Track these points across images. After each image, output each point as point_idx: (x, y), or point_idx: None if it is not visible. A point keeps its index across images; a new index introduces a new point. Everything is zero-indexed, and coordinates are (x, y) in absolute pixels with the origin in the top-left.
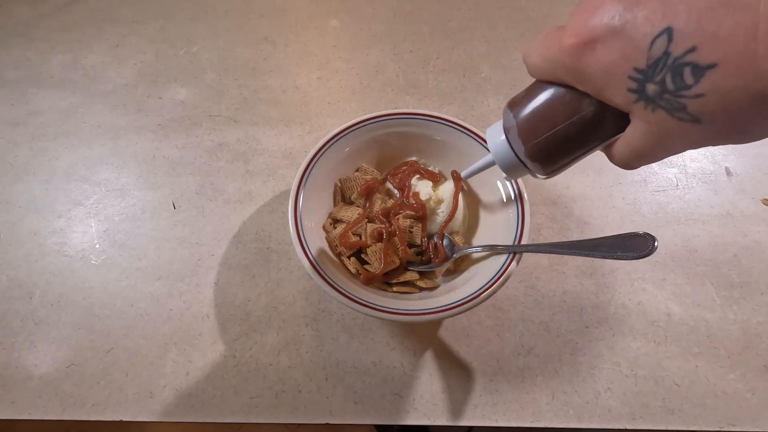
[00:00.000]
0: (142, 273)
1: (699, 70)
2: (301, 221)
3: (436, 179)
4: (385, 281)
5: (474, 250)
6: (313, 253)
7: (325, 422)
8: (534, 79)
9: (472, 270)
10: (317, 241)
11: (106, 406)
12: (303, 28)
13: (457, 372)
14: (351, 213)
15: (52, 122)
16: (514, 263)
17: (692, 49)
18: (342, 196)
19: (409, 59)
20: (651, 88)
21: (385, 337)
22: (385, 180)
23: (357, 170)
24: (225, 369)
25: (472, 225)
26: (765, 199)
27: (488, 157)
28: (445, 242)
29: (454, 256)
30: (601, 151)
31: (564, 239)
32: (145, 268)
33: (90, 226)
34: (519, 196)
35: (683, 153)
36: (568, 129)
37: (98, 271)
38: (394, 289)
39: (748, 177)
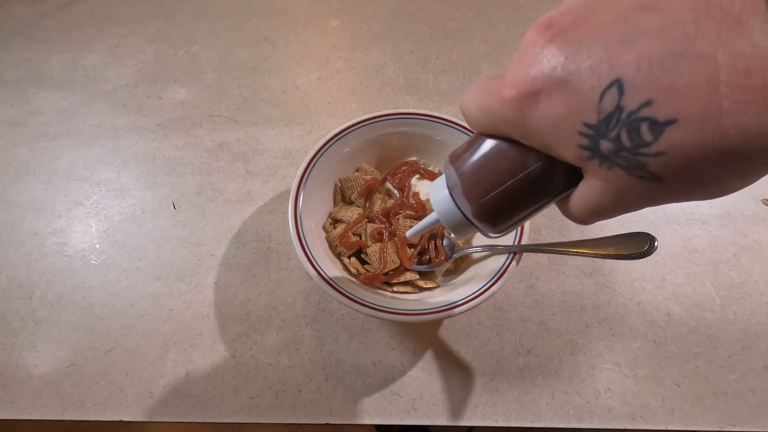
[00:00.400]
0: (142, 273)
1: (657, 126)
2: (301, 221)
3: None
4: (385, 281)
5: (474, 250)
6: (313, 253)
7: (325, 422)
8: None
9: (472, 270)
10: (317, 241)
11: (106, 406)
12: (303, 28)
13: (457, 372)
14: (351, 213)
15: (52, 122)
16: (514, 263)
17: (647, 103)
18: (342, 196)
19: (409, 59)
20: (605, 145)
21: (385, 337)
22: (385, 180)
23: (357, 170)
24: (225, 369)
25: None
26: (765, 199)
27: (433, 216)
28: (445, 242)
29: (454, 256)
30: (555, 205)
31: (564, 239)
32: (145, 268)
33: (90, 226)
34: None
35: None
36: (516, 187)
37: (98, 271)
38: (394, 289)
39: None
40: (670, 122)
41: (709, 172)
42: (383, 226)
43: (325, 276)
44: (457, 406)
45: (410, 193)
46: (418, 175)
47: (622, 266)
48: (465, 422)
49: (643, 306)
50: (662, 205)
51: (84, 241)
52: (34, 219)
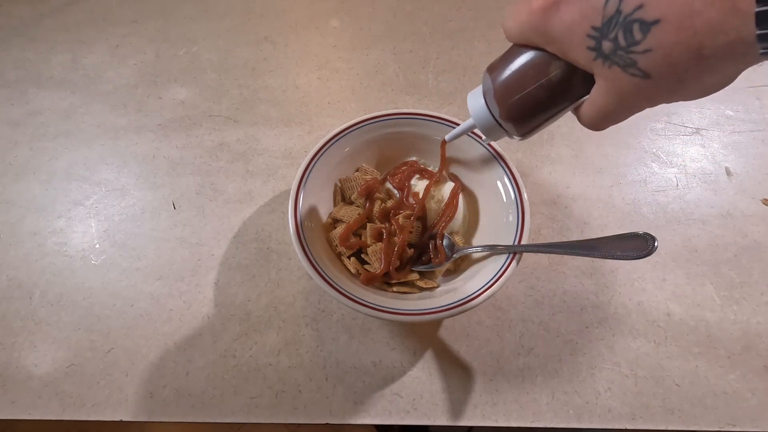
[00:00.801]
0: (142, 273)
1: (645, 26)
2: (301, 221)
3: (433, 180)
4: (385, 281)
5: (474, 250)
6: (313, 253)
7: (325, 422)
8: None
9: (472, 270)
10: (317, 241)
11: (106, 406)
12: (303, 28)
13: (457, 372)
14: (351, 213)
15: (52, 122)
16: (514, 263)
17: (640, 6)
18: (342, 196)
19: (409, 59)
20: (606, 45)
21: (385, 337)
22: (385, 180)
23: (357, 170)
24: (225, 369)
25: (472, 225)
26: (765, 199)
27: (469, 121)
28: (445, 242)
29: (454, 256)
30: (572, 112)
31: (564, 239)
32: (145, 268)
33: (90, 226)
34: (519, 197)
35: (683, 153)
36: (539, 91)
37: (98, 271)
38: (394, 289)
39: (748, 177)
40: (655, 22)
41: (687, 68)
42: (383, 226)
43: (325, 276)
44: (457, 406)
45: (410, 193)
46: (418, 175)
47: (622, 266)
48: (465, 422)
49: (643, 306)
50: (662, 205)
51: (84, 241)
52: (34, 219)
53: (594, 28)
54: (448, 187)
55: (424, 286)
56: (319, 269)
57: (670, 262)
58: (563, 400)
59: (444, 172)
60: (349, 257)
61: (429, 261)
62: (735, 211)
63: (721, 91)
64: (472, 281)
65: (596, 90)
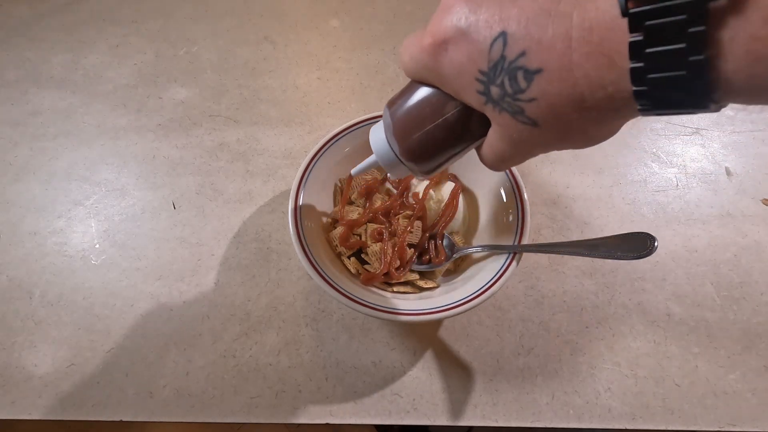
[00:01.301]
0: (142, 273)
1: (529, 75)
2: (301, 221)
3: (436, 179)
4: (385, 281)
5: (474, 250)
6: (313, 253)
7: (325, 422)
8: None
9: (472, 270)
10: (317, 241)
11: (106, 406)
12: (303, 28)
13: (457, 372)
14: (351, 213)
15: (52, 122)
16: (514, 263)
17: (522, 54)
18: (341, 195)
19: None
20: (495, 90)
21: (385, 337)
22: (384, 180)
23: None
24: (225, 369)
25: (472, 225)
26: (765, 199)
27: (372, 157)
28: (445, 242)
29: (454, 256)
30: (475, 151)
31: (564, 239)
32: (145, 268)
33: (90, 226)
34: (519, 197)
35: (683, 153)
36: (436, 131)
37: (98, 271)
38: (394, 289)
39: (748, 177)
40: (538, 71)
41: (570, 119)
42: (383, 226)
43: (325, 276)
44: (457, 406)
45: (410, 193)
46: None
47: (622, 266)
48: (465, 422)
49: (643, 306)
50: (662, 205)
51: (84, 241)
52: (34, 219)
53: (481, 72)
54: (448, 187)
55: (424, 286)
56: (319, 269)
57: (670, 262)
58: (563, 400)
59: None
60: (349, 257)
61: (429, 261)
62: (735, 211)
63: None
64: (472, 281)
65: (491, 133)
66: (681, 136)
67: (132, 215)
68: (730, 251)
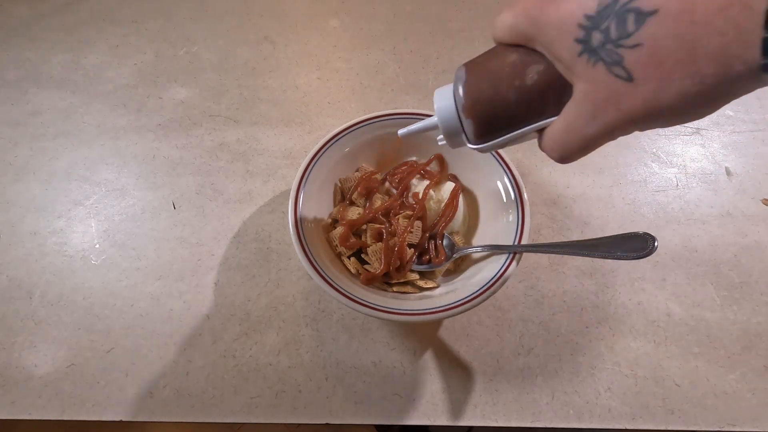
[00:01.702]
0: (142, 273)
1: (641, 17)
2: (301, 221)
3: (436, 179)
4: (385, 281)
5: (474, 250)
6: (313, 253)
7: (325, 422)
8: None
9: (472, 270)
10: (317, 241)
11: (106, 406)
12: (303, 28)
13: (457, 372)
14: (351, 213)
15: (52, 122)
16: (514, 263)
17: None
18: (342, 196)
19: (409, 59)
20: (596, 36)
21: (385, 337)
22: (384, 180)
23: (357, 170)
24: (225, 369)
25: (472, 225)
26: (765, 199)
27: (428, 120)
28: (445, 242)
29: (454, 256)
30: (536, 134)
31: (564, 239)
32: (145, 268)
33: (90, 226)
34: (519, 197)
35: (683, 153)
36: (509, 92)
37: (98, 271)
38: (394, 289)
39: (748, 177)
40: (652, 13)
41: (673, 68)
42: (383, 226)
43: (325, 276)
44: (457, 406)
45: (410, 193)
46: (418, 175)
47: (622, 266)
48: (465, 422)
49: (643, 306)
50: (662, 205)
51: (84, 241)
52: (34, 219)
53: (587, 16)
54: (448, 187)
55: (424, 286)
56: (319, 269)
57: (670, 262)
58: (563, 400)
59: (445, 172)
60: (349, 257)
61: (429, 261)
62: (735, 211)
63: None
64: (472, 281)
65: (570, 105)
66: (681, 136)
67: (132, 215)
68: (730, 251)
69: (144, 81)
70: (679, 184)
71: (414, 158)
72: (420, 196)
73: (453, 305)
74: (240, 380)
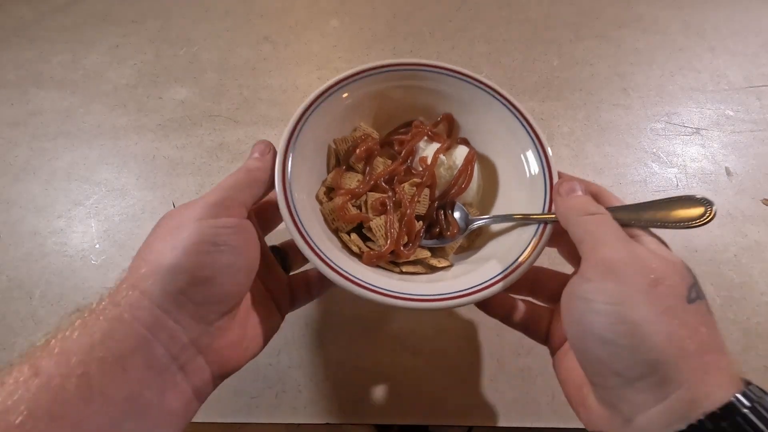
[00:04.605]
0: None
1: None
2: (291, 191)
3: (447, 143)
4: (392, 260)
5: (492, 220)
6: (306, 228)
7: (325, 422)
8: None
9: (492, 246)
10: (311, 214)
11: None
12: (303, 28)
13: (457, 372)
14: (349, 180)
15: (52, 122)
16: (546, 234)
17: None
18: (337, 161)
19: None
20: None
21: (385, 338)
22: (387, 142)
23: (354, 130)
24: None
25: (487, 197)
26: (765, 199)
27: None
28: (457, 213)
29: (469, 228)
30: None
31: None
32: None
33: (90, 226)
34: (547, 173)
35: (683, 152)
36: None
37: (98, 271)
38: (403, 269)
39: (748, 177)
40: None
41: None
42: (386, 195)
43: (323, 256)
44: (457, 406)
45: (417, 158)
46: (425, 138)
47: None
48: (465, 422)
49: None
50: None
51: (84, 241)
52: (34, 219)
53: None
54: (461, 152)
55: (438, 265)
56: (314, 246)
57: None
58: (563, 400)
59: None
60: (348, 233)
61: (439, 235)
62: (735, 211)
63: (721, 91)
64: (493, 259)
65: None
66: (681, 136)
67: (132, 215)
68: (730, 251)
69: (144, 81)
70: (679, 184)
71: (420, 119)
72: (428, 161)
73: (476, 288)
74: (240, 380)
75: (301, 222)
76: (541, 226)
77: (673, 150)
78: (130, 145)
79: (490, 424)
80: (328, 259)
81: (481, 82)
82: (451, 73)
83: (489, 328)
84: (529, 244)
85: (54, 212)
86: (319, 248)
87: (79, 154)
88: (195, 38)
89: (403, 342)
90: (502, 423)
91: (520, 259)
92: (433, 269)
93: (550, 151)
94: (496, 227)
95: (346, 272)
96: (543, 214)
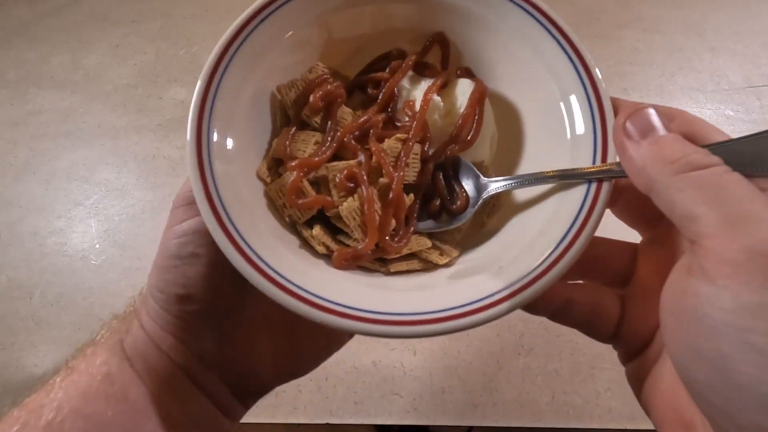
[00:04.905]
0: (142, 273)
1: None
2: (211, 164)
3: (441, 77)
4: (377, 257)
5: (520, 181)
6: (233, 219)
7: (325, 422)
8: None
9: (517, 223)
10: (250, 199)
11: None
12: None
13: (457, 372)
14: (302, 144)
15: (52, 122)
16: (602, 195)
17: None
18: (286, 117)
19: None
20: None
21: (385, 338)
22: (356, 84)
23: (309, 71)
24: None
25: (507, 151)
26: None
27: None
28: (464, 177)
29: (484, 196)
30: None
31: None
32: (146, 268)
33: (90, 226)
34: (599, 117)
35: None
36: None
37: (98, 271)
38: (392, 268)
39: None
40: None
41: None
42: (359, 162)
43: (259, 261)
44: (457, 406)
45: (401, 103)
46: (410, 73)
47: None
48: (465, 422)
49: None
50: None
51: (84, 241)
52: (34, 219)
53: None
54: (464, 87)
55: (440, 262)
56: (243, 243)
57: None
58: (563, 400)
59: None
60: (310, 225)
61: (441, 210)
62: None
63: (721, 91)
64: (524, 240)
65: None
66: None
67: (132, 215)
68: None
69: (144, 81)
70: None
71: (402, 47)
72: (417, 106)
73: (508, 293)
74: None
75: (224, 208)
76: (594, 185)
77: None
78: (130, 145)
79: (490, 424)
80: (267, 265)
81: None
82: None
83: (489, 328)
84: (577, 217)
85: (54, 212)
86: (252, 247)
87: (79, 154)
88: (195, 38)
89: (403, 342)
90: (502, 423)
91: (576, 230)
92: (435, 266)
93: (608, 102)
94: (519, 196)
95: (293, 283)
96: (595, 167)
